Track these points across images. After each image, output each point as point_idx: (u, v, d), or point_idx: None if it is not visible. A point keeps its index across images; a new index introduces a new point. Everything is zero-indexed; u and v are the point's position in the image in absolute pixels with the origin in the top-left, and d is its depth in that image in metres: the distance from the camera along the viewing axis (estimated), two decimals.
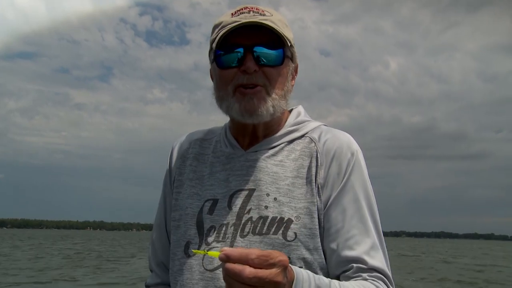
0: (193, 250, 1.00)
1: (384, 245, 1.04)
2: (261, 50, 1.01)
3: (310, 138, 1.09)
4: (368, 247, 1.00)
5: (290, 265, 0.81)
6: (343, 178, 1.04)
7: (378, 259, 1.00)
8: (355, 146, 1.08)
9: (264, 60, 1.02)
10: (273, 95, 1.03)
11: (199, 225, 1.05)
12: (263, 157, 1.07)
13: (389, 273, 1.01)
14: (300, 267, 0.92)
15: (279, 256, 0.76)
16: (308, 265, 0.99)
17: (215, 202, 1.06)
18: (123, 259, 22.37)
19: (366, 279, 0.97)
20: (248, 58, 1.00)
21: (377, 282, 0.98)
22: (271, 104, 1.03)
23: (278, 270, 0.75)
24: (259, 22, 0.99)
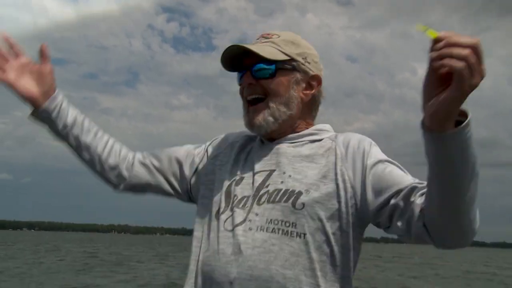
0: (416, 26, 0.98)
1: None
2: (257, 67, 1.23)
3: (329, 138, 1.27)
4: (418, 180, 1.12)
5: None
6: (364, 154, 1.18)
7: None
8: (370, 139, 1.24)
9: (258, 74, 1.23)
10: (271, 104, 1.23)
11: (227, 195, 1.24)
12: (285, 146, 1.26)
13: None
14: (304, 234, 1.12)
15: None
16: (313, 232, 1.13)
17: (241, 179, 1.26)
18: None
19: None
20: (247, 75, 1.25)
21: None
22: (269, 113, 1.23)
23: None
24: (243, 47, 1.21)
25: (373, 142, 1.23)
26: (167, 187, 1.39)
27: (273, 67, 1.22)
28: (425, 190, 1.03)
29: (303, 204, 1.13)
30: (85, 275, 14.76)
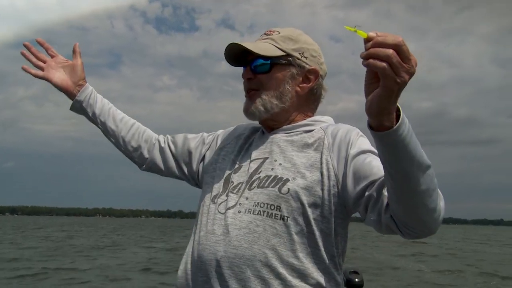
0: (344, 26, 1.09)
1: None
2: (255, 63, 1.32)
3: (321, 128, 1.34)
4: None
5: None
6: (349, 144, 1.24)
7: None
8: (359, 130, 1.29)
9: (255, 69, 1.33)
10: (263, 96, 1.32)
11: (226, 182, 1.34)
12: (279, 136, 1.35)
13: None
14: (287, 217, 1.19)
15: (415, 61, 0.87)
16: (296, 216, 1.20)
17: (240, 167, 1.36)
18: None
19: None
20: (247, 70, 1.35)
21: None
22: (261, 103, 1.32)
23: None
24: (239, 45, 1.30)
25: (360, 133, 1.28)
26: (177, 172, 1.55)
27: (268, 62, 1.31)
28: None
29: (288, 190, 1.21)
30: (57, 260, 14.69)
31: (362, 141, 1.25)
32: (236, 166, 1.37)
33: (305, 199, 1.20)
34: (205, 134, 1.58)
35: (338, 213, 1.22)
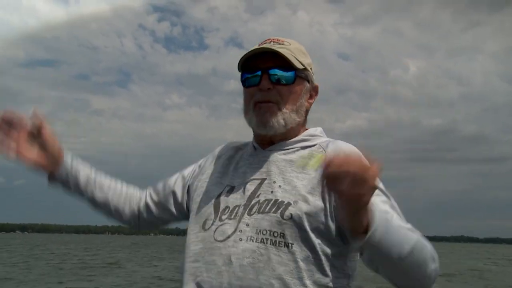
0: (298, 164, 1.21)
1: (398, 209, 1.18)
2: (275, 72, 1.23)
3: (320, 145, 1.29)
4: (397, 215, 1.14)
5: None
6: None
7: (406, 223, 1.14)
8: (358, 151, 1.22)
9: (277, 79, 1.23)
10: (284, 110, 1.24)
11: (216, 206, 1.25)
12: (276, 154, 1.27)
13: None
14: (291, 243, 1.13)
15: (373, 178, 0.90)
16: (300, 242, 1.14)
17: (232, 188, 1.27)
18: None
19: None
20: (264, 78, 1.23)
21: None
22: (282, 117, 1.24)
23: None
24: (270, 49, 1.22)
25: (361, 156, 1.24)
26: (171, 218, 1.47)
27: (292, 74, 1.24)
28: None
29: (291, 215, 1.15)
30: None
31: None
32: (227, 188, 1.27)
33: (308, 224, 1.14)
34: (184, 170, 1.49)
35: (343, 236, 1.14)
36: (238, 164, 1.33)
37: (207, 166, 1.41)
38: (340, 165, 0.88)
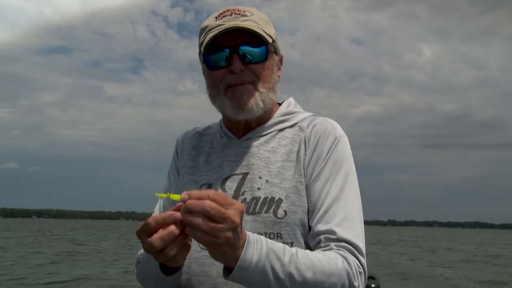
0: (156, 194, 1.01)
1: (361, 219, 1.08)
2: (245, 48, 1.08)
3: (300, 127, 1.16)
4: (339, 220, 1.03)
5: (242, 227, 0.85)
6: (325, 157, 1.10)
7: (349, 231, 1.02)
8: (340, 131, 1.14)
9: (250, 58, 1.08)
10: (261, 89, 1.11)
11: None
12: (255, 143, 1.15)
13: (359, 244, 1.02)
14: (291, 242, 1.02)
15: (233, 216, 0.79)
16: (300, 239, 1.04)
17: (209, 186, 1.12)
18: None
19: (331, 249, 1.00)
20: (234, 58, 1.07)
21: (343, 251, 0.99)
22: (260, 98, 1.10)
23: (236, 212, 0.80)
24: (241, 26, 1.06)
25: (339, 139, 1.12)
26: None
27: (264, 49, 1.11)
28: (326, 248, 1.00)
29: (285, 212, 1.05)
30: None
31: (336, 156, 1.10)
32: (203, 186, 1.13)
33: (303, 218, 1.05)
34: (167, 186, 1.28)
35: None
36: (211, 157, 1.19)
37: (175, 165, 1.26)
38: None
